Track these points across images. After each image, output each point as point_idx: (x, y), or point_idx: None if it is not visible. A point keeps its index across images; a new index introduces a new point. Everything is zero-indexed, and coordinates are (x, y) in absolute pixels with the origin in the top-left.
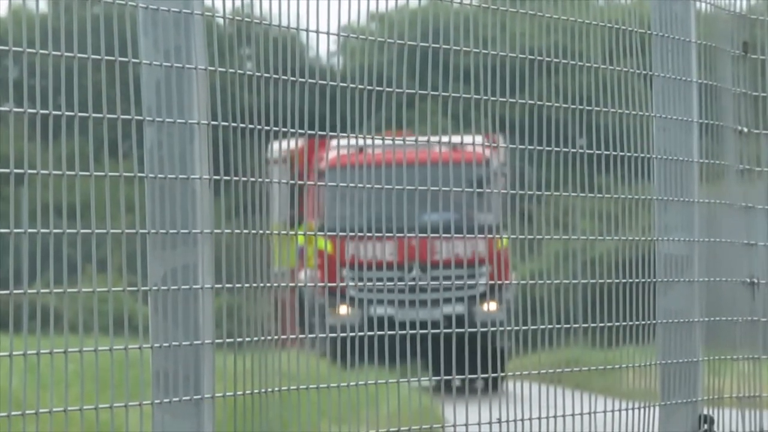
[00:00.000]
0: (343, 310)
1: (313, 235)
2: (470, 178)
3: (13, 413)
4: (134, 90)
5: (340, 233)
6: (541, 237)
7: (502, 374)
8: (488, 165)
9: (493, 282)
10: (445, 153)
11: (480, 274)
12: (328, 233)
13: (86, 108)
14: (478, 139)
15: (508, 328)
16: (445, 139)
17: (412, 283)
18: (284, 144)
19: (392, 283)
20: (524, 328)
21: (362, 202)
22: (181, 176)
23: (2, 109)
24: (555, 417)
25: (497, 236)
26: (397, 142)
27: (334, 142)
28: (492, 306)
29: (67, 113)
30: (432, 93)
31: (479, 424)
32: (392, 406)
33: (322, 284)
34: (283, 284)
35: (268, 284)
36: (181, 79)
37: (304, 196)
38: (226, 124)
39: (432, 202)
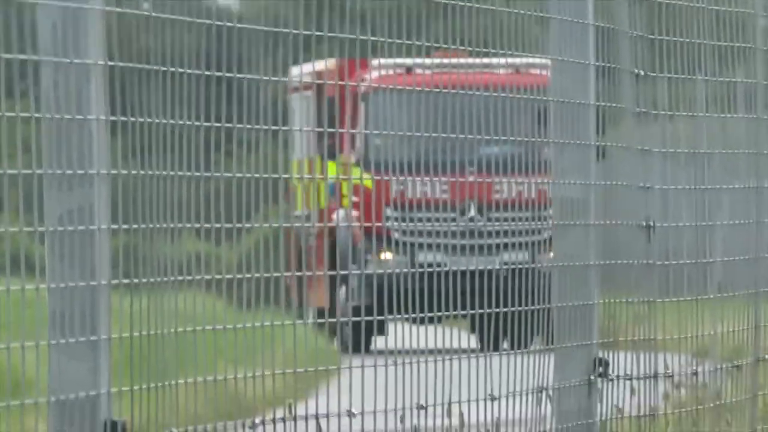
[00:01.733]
0: (386, 255)
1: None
2: (535, 105)
3: None
4: (30, 30)
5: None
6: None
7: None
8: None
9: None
10: (508, 76)
11: (546, 217)
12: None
13: None
14: (545, 62)
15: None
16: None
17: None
18: (308, 67)
19: (444, 225)
20: (424, 270)
21: (410, 130)
22: (77, 117)
23: None
24: (451, 359)
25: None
26: (454, 62)
27: (376, 62)
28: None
29: None
30: (329, 35)
31: (375, 366)
32: (288, 347)
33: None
34: (297, 225)
35: (173, 225)
36: (77, 20)
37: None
38: (122, 65)
39: (494, 132)
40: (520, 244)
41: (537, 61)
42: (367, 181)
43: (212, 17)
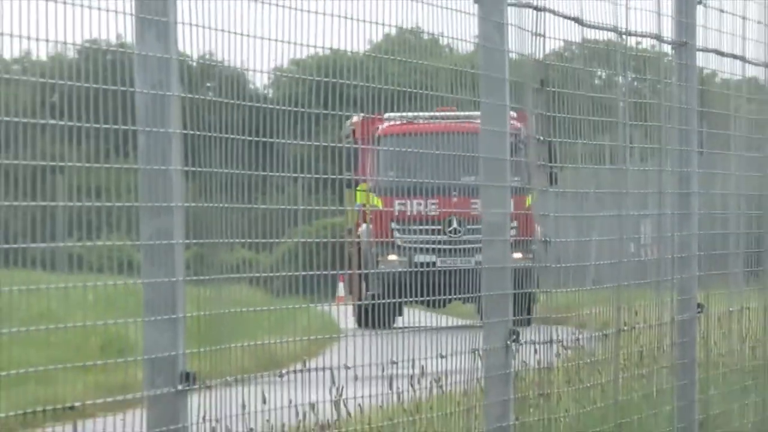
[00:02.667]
0: (392, 257)
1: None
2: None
3: (50, 326)
4: (131, 109)
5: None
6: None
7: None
8: (518, 134)
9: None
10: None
11: (510, 227)
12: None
13: (99, 121)
14: (512, 113)
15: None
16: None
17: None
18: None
19: (436, 235)
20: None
21: (410, 165)
22: (162, 167)
23: (51, 122)
24: (414, 329)
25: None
26: (441, 114)
27: (387, 115)
28: (518, 255)
29: (89, 125)
30: (332, 113)
31: (362, 335)
32: (305, 321)
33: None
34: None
35: (228, 240)
36: (162, 102)
37: (361, 160)
38: (193, 132)
39: (469, 166)
40: None
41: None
42: (378, 203)
43: (254, 100)
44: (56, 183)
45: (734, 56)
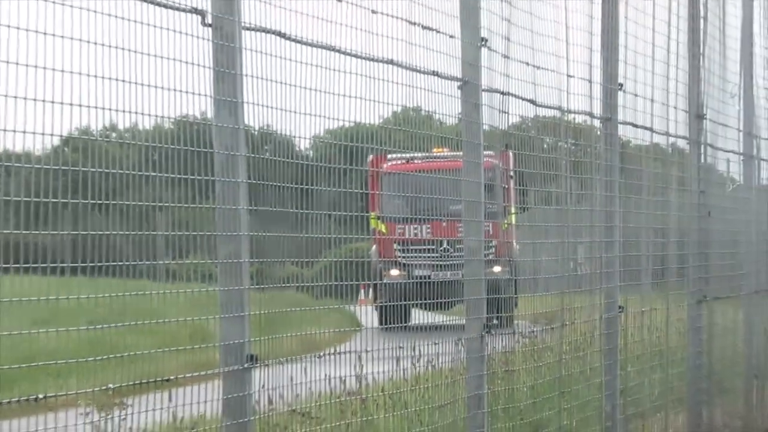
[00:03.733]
0: (395, 272)
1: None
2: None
3: (153, 320)
4: (211, 165)
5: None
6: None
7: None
8: (494, 170)
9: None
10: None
11: (489, 246)
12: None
13: (188, 173)
14: (490, 153)
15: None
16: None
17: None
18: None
19: (430, 254)
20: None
21: (409, 197)
22: (233, 207)
23: (153, 174)
24: (423, 327)
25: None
26: (433, 154)
27: (390, 155)
28: (497, 269)
29: (180, 176)
30: (355, 168)
31: (380, 327)
32: (336, 318)
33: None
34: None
35: (281, 260)
36: (233, 160)
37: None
38: (256, 182)
39: (456, 197)
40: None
41: (487, 152)
42: (384, 228)
43: (299, 159)
44: (157, 218)
45: (645, 128)
